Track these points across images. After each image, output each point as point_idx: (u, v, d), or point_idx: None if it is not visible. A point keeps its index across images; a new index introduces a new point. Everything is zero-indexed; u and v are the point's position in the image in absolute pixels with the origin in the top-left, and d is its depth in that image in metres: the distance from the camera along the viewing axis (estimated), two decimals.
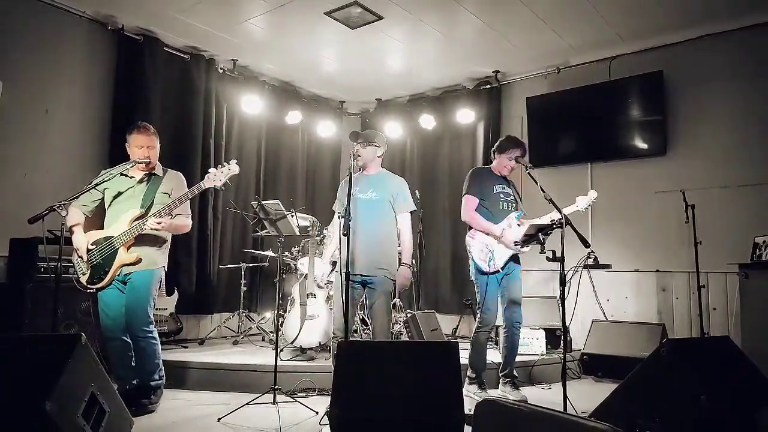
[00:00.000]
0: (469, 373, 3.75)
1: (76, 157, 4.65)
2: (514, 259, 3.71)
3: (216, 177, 3.15)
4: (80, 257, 3.20)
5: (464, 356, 3.68)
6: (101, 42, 4.85)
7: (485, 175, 3.81)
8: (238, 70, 5.78)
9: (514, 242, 3.58)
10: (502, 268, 3.64)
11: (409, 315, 4.87)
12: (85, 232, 3.27)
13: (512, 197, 3.78)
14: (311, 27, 4.92)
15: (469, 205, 3.69)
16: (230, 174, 3.18)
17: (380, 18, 4.72)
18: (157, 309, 4.63)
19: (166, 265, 3.39)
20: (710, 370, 2.51)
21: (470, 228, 3.73)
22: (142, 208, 3.25)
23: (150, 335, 3.23)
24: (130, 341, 3.22)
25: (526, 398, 3.60)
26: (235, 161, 3.23)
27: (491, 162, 3.91)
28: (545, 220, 3.49)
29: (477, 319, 3.72)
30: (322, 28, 4.90)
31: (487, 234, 3.64)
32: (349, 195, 3.06)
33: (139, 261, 3.20)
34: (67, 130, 4.63)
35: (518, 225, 3.66)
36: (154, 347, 3.26)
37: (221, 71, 5.67)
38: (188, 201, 3.34)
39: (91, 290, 3.22)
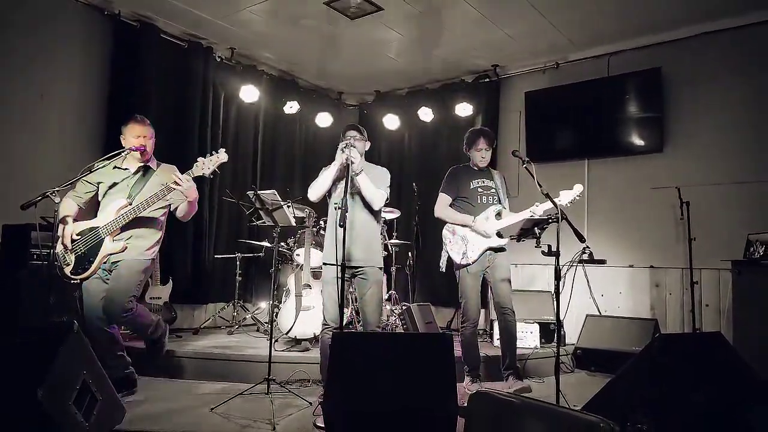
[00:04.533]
0: (465, 368, 3.77)
1: (71, 144, 4.61)
2: (495, 250, 3.70)
3: (205, 165, 3.13)
4: (64, 246, 3.16)
5: (460, 350, 3.74)
6: (97, 27, 4.79)
7: (461, 172, 3.88)
8: (237, 58, 5.74)
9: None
10: (477, 261, 3.65)
11: (404, 307, 4.88)
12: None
13: (493, 190, 3.79)
14: (311, 16, 4.88)
15: (439, 203, 3.83)
16: (219, 162, 3.17)
17: (380, 9, 4.69)
18: (151, 298, 4.63)
19: (156, 258, 3.38)
20: (701, 366, 2.52)
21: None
22: (128, 198, 3.23)
23: (130, 315, 3.18)
24: (112, 331, 3.19)
25: (530, 387, 3.67)
26: (224, 150, 3.22)
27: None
28: (526, 213, 3.50)
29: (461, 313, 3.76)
30: (322, 17, 4.86)
31: (463, 226, 3.71)
32: (347, 184, 3.03)
33: (124, 250, 3.19)
34: (62, 116, 4.58)
35: (496, 218, 3.68)
36: (137, 319, 3.25)
37: (219, 60, 5.62)
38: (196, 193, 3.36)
39: (75, 281, 3.18)
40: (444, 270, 3.85)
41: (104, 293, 3.17)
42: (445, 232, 3.82)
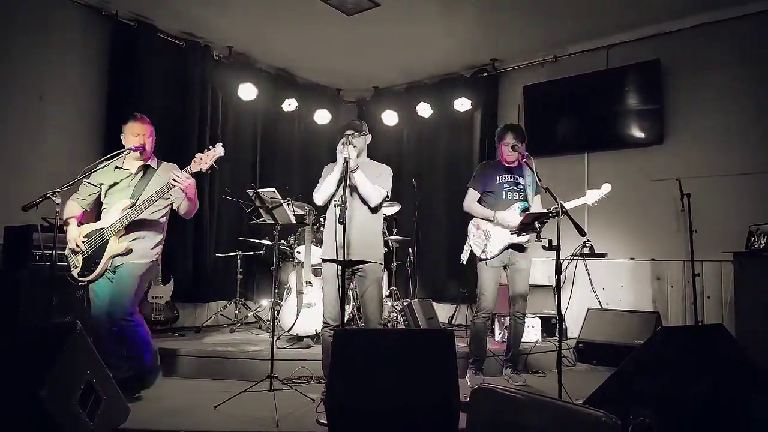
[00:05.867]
0: (469, 360, 3.78)
1: (71, 144, 4.61)
2: (516, 248, 3.70)
3: (202, 161, 3.12)
4: (72, 250, 3.17)
5: (462, 344, 3.74)
6: (95, 28, 4.79)
7: (490, 167, 3.89)
8: (234, 57, 5.73)
9: (510, 231, 3.62)
10: (497, 256, 3.68)
11: (405, 303, 4.89)
12: (80, 225, 3.24)
13: (521, 186, 3.77)
14: (307, 13, 4.87)
15: (468, 197, 3.86)
16: (216, 157, 3.16)
17: (377, 5, 4.67)
18: (153, 297, 4.65)
19: (159, 259, 3.37)
20: (703, 358, 2.52)
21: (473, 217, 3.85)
22: (132, 198, 3.23)
23: (132, 322, 3.16)
24: (120, 332, 3.18)
25: (525, 381, 3.73)
26: (221, 144, 3.20)
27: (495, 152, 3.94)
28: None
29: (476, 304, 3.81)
30: (318, 14, 4.84)
31: (487, 221, 3.73)
32: (345, 182, 3.03)
33: (129, 251, 3.18)
34: (62, 116, 4.59)
35: (521, 215, 3.66)
36: (137, 333, 3.19)
37: (217, 58, 5.61)
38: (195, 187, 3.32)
39: (83, 282, 3.19)
40: (465, 263, 3.86)
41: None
42: (470, 226, 3.84)
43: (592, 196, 3.47)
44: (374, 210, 3.31)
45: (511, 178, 3.79)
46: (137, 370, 3.25)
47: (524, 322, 3.82)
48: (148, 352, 3.28)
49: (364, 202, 3.26)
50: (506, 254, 3.71)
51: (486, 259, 3.69)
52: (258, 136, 6.10)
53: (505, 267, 3.76)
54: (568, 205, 3.38)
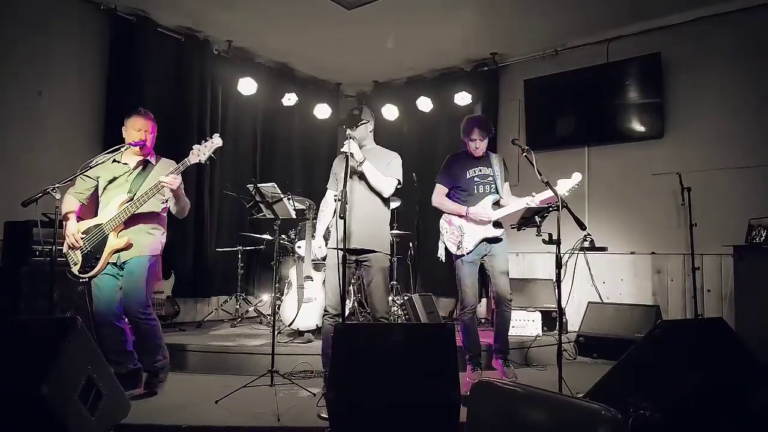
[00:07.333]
0: (466, 356, 3.77)
1: (70, 139, 4.61)
2: (491, 241, 3.65)
3: (200, 152, 3.12)
4: (70, 247, 3.17)
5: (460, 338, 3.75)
6: (94, 22, 4.78)
7: (458, 160, 3.81)
8: (233, 51, 5.71)
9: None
10: (472, 252, 3.62)
11: (406, 297, 4.90)
12: (79, 220, 3.24)
13: (491, 178, 3.71)
14: (307, 7, 4.84)
15: (436, 192, 3.80)
16: (214, 147, 3.16)
17: None
18: (154, 292, 4.64)
19: (161, 251, 3.37)
20: (703, 352, 2.53)
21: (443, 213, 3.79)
22: (130, 193, 3.22)
23: (148, 317, 3.20)
24: (122, 327, 3.20)
25: (516, 377, 3.64)
26: (218, 134, 3.20)
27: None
28: (523, 203, 3.47)
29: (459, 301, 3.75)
30: (318, 8, 4.82)
31: (460, 216, 3.67)
32: (345, 177, 3.03)
33: (130, 245, 3.18)
34: (62, 111, 4.58)
35: (493, 208, 3.64)
36: (153, 329, 3.24)
37: (216, 52, 5.60)
38: (182, 185, 3.32)
39: (84, 279, 3.19)
40: (443, 260, 3.82)
41: (118, 290, 3.18)
42: (441, 222, 3.79)
43: (563, 186, 3.35)
44: (385, 200, 3.31)
45: (479, 170, 3.73)
46: (146, 368, 3.26)
47: (510, 309, 3.67)
48: (160, 353, 3.29)
49: (373, 191, 3.26)
50: (481, 248, 3.65)
51: (462, 256, 3.63)
52: (258, 130, 6.09)
53: (482, 258, 3.68)
54: (539, 197, 3.37)
